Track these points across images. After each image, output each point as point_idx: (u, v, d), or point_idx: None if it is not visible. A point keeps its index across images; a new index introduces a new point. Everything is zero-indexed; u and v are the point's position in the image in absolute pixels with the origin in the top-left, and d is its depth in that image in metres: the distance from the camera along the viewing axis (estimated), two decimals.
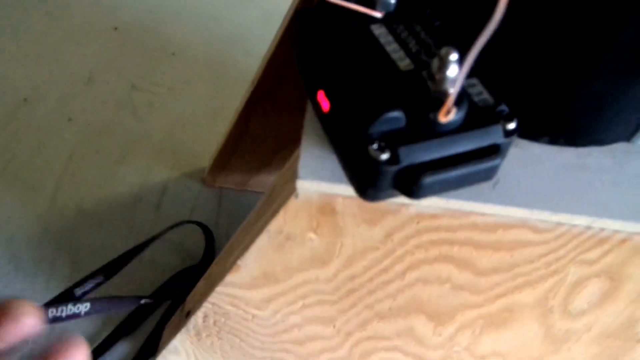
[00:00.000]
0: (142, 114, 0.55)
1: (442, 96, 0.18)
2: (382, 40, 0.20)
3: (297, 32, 0.22)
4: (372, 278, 0.29)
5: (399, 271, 0.28)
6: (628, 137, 0.26)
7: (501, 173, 0.23)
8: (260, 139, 0.49)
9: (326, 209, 0.24)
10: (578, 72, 0.22)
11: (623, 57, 0.21)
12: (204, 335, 0.38)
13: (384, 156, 0.18)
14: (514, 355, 0.35)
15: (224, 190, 0.53)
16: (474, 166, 0.19)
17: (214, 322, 0.36)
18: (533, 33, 0.22)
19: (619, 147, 0.26)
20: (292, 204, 0.24)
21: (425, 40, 0.21)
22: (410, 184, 0.19)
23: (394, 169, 0.19)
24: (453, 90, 0.18)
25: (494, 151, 0.20)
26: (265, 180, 0.55)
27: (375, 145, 0.18)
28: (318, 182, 0.23)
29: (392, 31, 0.21)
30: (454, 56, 0.17)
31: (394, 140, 0.18)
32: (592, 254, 0.25)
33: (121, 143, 0.53)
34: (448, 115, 0.18)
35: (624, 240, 0.24)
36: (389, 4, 0.21)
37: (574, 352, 0.34)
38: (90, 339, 0.44)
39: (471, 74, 0.20)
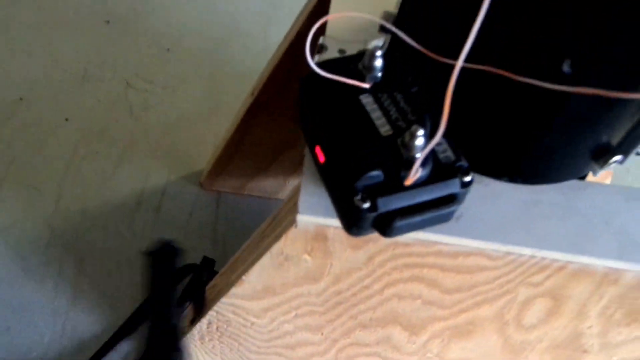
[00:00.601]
0: (138, 113, 0.59)
1: (412, 159, 0.24)
2: (368, 108, 0.26)
3: (301, 96, 0.28)
4: (355, 293, 0.35)
5: (378, 288, 0.34)
6: (578, 176, 0.32)
7: (464, 207, 0.29)
8: (257, 146, 0.54)
9: (319, 236, 0.30)
10: (531, 131, 0.28)
11: (568, 121, 0.27)
12: (206, 339, 0.44)
13: (366, 205, 0.24)
14: None
15: (221, 194, 0.58)
16: (434, 212, 0.25)
17: (217, 328, 0.42)
18: (493, 104, 0.28)
19: (571, 183, 0.32)
20: (292, 232, 0.30)
21: (404, 108, 0.26)
22: (385, 226, 0.25)
23: (372, 215, 0.24)
24: (420, 156, 0.24)
25: (452, 200, 0.26)
26: (262, 184, 0.59)
27: (359, 197, 0.24)
28: (314, 216, 0.29)
29: (377, 100, 0.27)
30: (420, 132, 0.23)
31: (373, 193, 0.24)
32: (537, 278, 0.31)
33: (119, 144, 0.57)
34: (415, 176, 0.24)
35: (561, 267, 0.30)
36: (376, 77, 0.27)
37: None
38: (96, 339, 0.48)
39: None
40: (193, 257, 0.54)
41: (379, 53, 0.26)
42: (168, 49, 0.64)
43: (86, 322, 0.49)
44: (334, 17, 0.32)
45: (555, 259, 0.30)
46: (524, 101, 0.25)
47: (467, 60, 0.22)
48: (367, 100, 0.26)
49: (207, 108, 0.62)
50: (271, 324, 0.39)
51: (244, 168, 0.56)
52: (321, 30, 0.33)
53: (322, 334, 0.40)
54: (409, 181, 0.24)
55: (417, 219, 0.25)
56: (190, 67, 0.65)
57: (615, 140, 0.29)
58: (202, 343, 0.44)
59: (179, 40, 0.65)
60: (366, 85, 0.27)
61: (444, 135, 0.25)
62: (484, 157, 0.30)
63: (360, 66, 0.27)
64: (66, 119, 0.57)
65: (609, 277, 0.31)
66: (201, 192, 0.58)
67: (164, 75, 0.63)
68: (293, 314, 0.38)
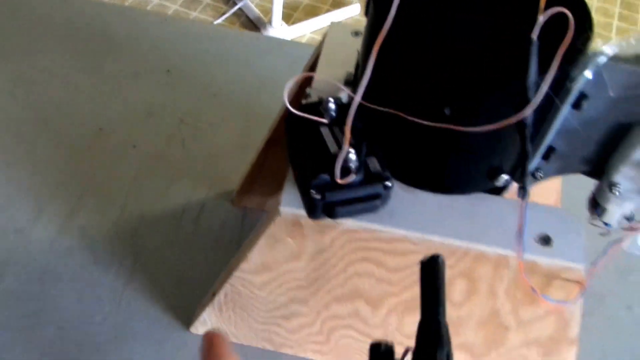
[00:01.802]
0: (189, 144, 0.74)
1: (349, 169, 0.37)
2: (324, 135, 0.40)
3: (285, 129, 0.42)
4: (327, 270, 0.48)
5: (342, 266, 0.47)
6: (483, 190, 0.44)
7: (396, 207, 0.42)
8: (275, 170, 0.67)
9: (296, 223, 0.43)
10: (437, 156, 0.41)
11: (459, 150, 0.40)
12: (224, 310, 0.57)
13: (317, 197, 0.38)
14: None
15: (247, 209, 0.72)
16: (365, 204, 0.38)
17: (231, 299, 0.55)
18: (408, 136, 0.41)
19: (477, 195, 0.44)
20: (278, 220, 0.43)
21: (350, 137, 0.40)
22: (331, 212, 0.38)
23: (322, 203, 0.38)
24: (353, 166, 0.37)
25: (377, 197, 0.39)
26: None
27: (313, 191, 0.38)
28: (291, 208, 0.42)
29: (332, 131, 0.40)
30: (352, 152, 0.37)
31: (323, 189, 0.38)
32: (450, 261, 0.43)
33: (172, 167, 0.72)
34: (348, 178, 0.37)
35: (465, 253, 0.43)
36: (332, 115, 0.41)
37: (468, 335, 0.52)
38: (144, 309, 0.62)
39: (371, 153, 0.39)
40: (219, 254, 0.67)
41: (332, 100, 0.39)
42: (214, 94, 0.80)
43: (137, 299, 0.62)
44: (310, 75, 0.46)
45: (459, 246, 0.42)
46: (427, 134, 0.39)
47: (379, 104, 0.35)
48: (324, 131, 0.40)
49: (242, 143, 0.77)
50: (270, 296, 0.52)
51: (264, 188, 0.70)
52: (309, 83, 0.47)
53: (308, 306, 0.52)
54: (343, 182, 0.37)
55: (352, 208, 0.38)
56: (230, 109, 0.80)
57: (499, 162, 0.41)
58: (220, 314, 0.57)
59: (223, 86, 0.80)
60: (325, 121, 0.40)
61: (375, 155, 0.38)
62: (411, 173, 0.43)
63: (321, 109, 0.40)
64: (134, 146, 0.73)
65: (502, 262, 0.43)
66: (231, 208, 0.72)
67: (210, 115, 0.78)
68: (285, 287, 0.51)
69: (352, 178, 0.38)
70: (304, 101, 0.46)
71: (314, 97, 0.45)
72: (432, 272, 0.31)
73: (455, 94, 0.36)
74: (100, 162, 0.73)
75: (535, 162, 0.43)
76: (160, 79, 0.81)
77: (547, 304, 0.44)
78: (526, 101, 0.32)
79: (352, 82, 0.45)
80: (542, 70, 0.32)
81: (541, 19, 0.32)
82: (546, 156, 0.43)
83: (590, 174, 0.45)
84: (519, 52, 0.33)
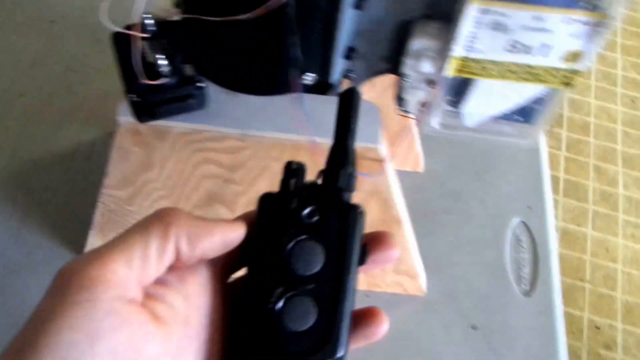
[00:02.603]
0: (76, 89, 0.80)
1: (158, 73, 0.44)
2: (145, 49, 0.46)
3: (112, 46, 0.48)
4: (179, 176, 0.55)
5: (190, 171, 0.54)
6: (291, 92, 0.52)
7: (221, 109, 0.49)
8: None
9: (137, 132, 0.50)
10: (249, 62, 0.48)
11: (266, 53, 0.47)
12: (105, 230, 0.64)
13: (137, 100, 0.44)
14: None
15: None
16: (180, 104, 0.46)
17: (108, 219, 0.62)
18: (215, 44, 0.48)
19: (295, 95, 0.51)
20: (120, 130, 0.50)
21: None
22: (151, 112, 0.45)
23: (141, 104, 0.45)
24: (165, 70, 0.44)
25: (190, 96, 0.46)
26: None
27: (132, 95, 0.44)
28: (126, 117, 0.49)
29: (153, 45, 0.47)
30: (162, 59, 0.43)
31: (142, 93, 0.45)
32: (275, 153, 0.51)
33: (61, 112, 0.78)
34: (160, 81, 0.44)
35: (284, 144, 0.50)
36: (152, 30, 0.47)
37: None
38: (43, 240, 0.68)
39: (189, 62, 0.46)
40: None
41: (148, 17, 0.46)
42: (98, 40, 0.85)
43: (33, 235, 0.69)
44: None
45: (278, 138, 0.49)
46: (228, 38, 0.45)
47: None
48: (145, 44, 0.46)
49: None
50: (140, 210, 0.59)
51: None
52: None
53: None
54: (154, 82, 0.44)
55: (169, 107, 0.45)
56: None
57: (303, 62, 0.48)
58: (103, 235, 0.64)
59: (107, 33, 0.86)
60: (146, 35, 0.47)
61: (194, 63, 0.45)
62: (231, 78, 0.50)
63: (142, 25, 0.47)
64: (21, 95, 0.78)
65: (316, 150, 0.50)
66: None
67: (96, 61, 0.84)
68: (150, 199, 0.58)
69: (164, 80, 0.44)
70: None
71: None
72: (347, 101, 0.33)
73: None
74: None
75: (340, 62, 0.51)
76: (44, 29, 0.86)
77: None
78: None
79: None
80: None
81: None
82: (348, 56, 0.50)
83: (393, 71, 0.52)
84: None
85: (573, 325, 1.48)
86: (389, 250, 0.30)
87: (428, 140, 0.81)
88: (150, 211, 0.56)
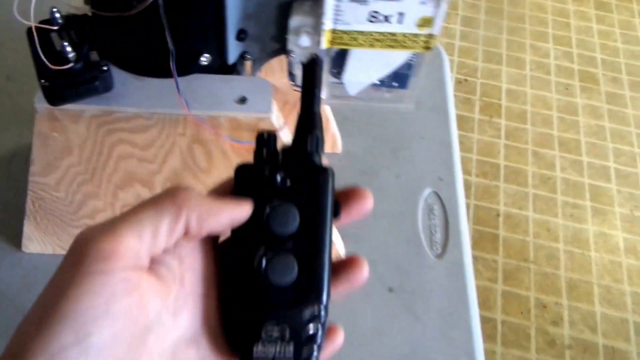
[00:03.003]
0: (16, 98, 0.85)
1: (66, 60, 0.50)
2: (53, 39, 0.52)
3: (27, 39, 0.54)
4: (98, 158, 0.60)
5: (106, 152, 0.60)
6: (204, 71, 0.58)
7: (127, 92, 0.55)
8: None
9: (52, 117, 0.56)
10: (146, 46, 0.54)
11: (158, 38, 0.53)
12: (38, 219, 0.69)
13: (46, 84, 0.50)
14: None
15: None
16: (87, 87, 0.52)
17: (40, 207, 0.67)
18: (116, 32, 0.54)
19: (197, 75, 0.58)
20: (38, 117, 0.56)
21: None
22: (61, 95, 0.51)
23: (51, 88, 0.51)
24: (70, 56, 0.50)
25: (95, 79, 0.52)
26: None
27: (42, 80, 0.50)
28: (42, 104, 0.55)
29: (61, 35, 0.53)
30: (68, 46, 0.50)
31: (51, 78, 0.50)
32: (179, 129, 0.57)
33: (1, 119, 0.83)
34: (66, 66, 0.50)
35: (186, 120, 0.56)
36: (59, 23, 0.53)
37: None
38: None
39: (96, 50, 0.52)
40: None
41: (55, 11, 0.52)
42: None
43: None
44: None
45: (179, 114, 0.56)
46: (125, 26, 0.52)
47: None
48: (54, 35, 0.53)
49: None
50: (67, 196, 0.65)
51: None
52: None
53: (100, 198, 0.65)
54: (59, 67, 0.50)
55: (77, 90, 0.51)
56: None
57: (195, 44, 0.55)
58: (37, 224, 0.69)
59: None
60: (54, 28, 0.53)
61: (99, 50, 0.51)
62: (135, 63, 0.56)
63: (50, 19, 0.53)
64: None
65: (215, 123, 0.56)
66: None
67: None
68: (75, 184, 0.63)
69: (69, 65, 0.50)
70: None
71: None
72: (310, 70, 0.36)
73: None
74: None
75: (234, 44, 0.57)
76: None
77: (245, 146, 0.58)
78: None
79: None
80: None
81: None
82: (240, 38, 0.57)
83: (284, 51, 0.59)
84: None
85: (521, 305, 1.56)
86: (364, 203, 0.33)
87: (346, 122, 0.88)
88: (78, 197, 0.61)
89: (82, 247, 0.26)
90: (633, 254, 1.67)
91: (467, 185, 1.72)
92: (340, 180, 0.84)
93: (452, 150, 0.88)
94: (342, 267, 0.32)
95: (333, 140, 0.84)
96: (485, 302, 1.51)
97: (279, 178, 0.32)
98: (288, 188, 0.32)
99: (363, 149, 0.87)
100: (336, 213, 0.32)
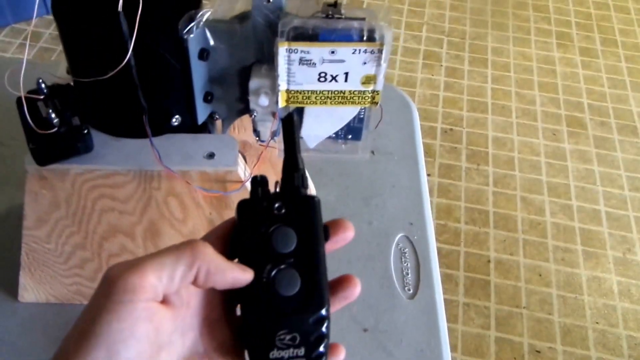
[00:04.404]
0: (9, 161, 0.94)
1: (51, 125, 0.58)
2: (40, 107, 0.61)
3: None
4: (83, 212, 0.68)
5: (90, 206, 0.67)
6: (175, 130, 0.66)
7: (106, 152, 0.63)
8: None
9: (42, 176, 0.64)
10: (122, 111, 0.62)
11: (131, 103, 0.62)
12: (32, 270, 0.76)
13: (33, 147, 0.58)
14: None
15: None
16: (69, 149, 0.59)
17: (33, 259, 0.74)
18: (95, 100, 0.62)
19: (170, 135, 0.66)
20: (28, 176, 0.64)
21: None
22: (48, 156, 0.59)
23: (37, 150, 0.58)
24: (54, 122, 0.58)
25: (77, 140, 0.60)
26: None
27: (30, 144, 0.58)
28: (32, 165, 0.62)
29: (46, 103, 0.61)
30: (52, 113, 0.58)
31: (37, 141, 0.58)
32: (154, 184, 0.65)
33: None
34: (50, 130, 0.58)
35: (160, 175, 0.64)
36: (44, 92, 0.62)
37: None
38: None
39: (77, 115, 0.60)
40: None
41: (40, 82, 0.60)
42: None
43: None
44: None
45: (153, 170, 0.63)
46: (101, 95, 0.60)
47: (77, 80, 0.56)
48: (40, 104, 0.61)
49: None
50: (57, 247, 0.72)
51: None
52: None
53: (88, 250, 0.72)
54: (43, 132, 0.58)
55: (61, 152, 0.59)
56: None
57: (166, 108, 0.63)
58: (32, 275, 0.76)
59: None
60: (40, 97, 0.61)
61: (80, 115, 0.59)
62: (113, 126, 0.64)
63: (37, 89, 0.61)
64: None
65: (187, 177, 0.64)
66: None
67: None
68: (63, 236, 0.71)
69: (54, 130, 0.58)
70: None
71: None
72: (288, 124, 0.41)
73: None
74: None
75: (202, 106, 0.65)
76: None
77: (222, 198, 0.65)
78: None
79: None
80: (130, 35, 0.54)
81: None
82: (208, 100, 0.65)
83: (247, 110, 0.67)
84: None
85: (515, 352, 1.59)
86: (346, 231, 0.39)
87: (320, 173, 0.96)
88: (67, 248, 0.68)
89: (112, 280, 0.32)
90: (627, 297, 1.71)
91: (457, 233, 1.78)
92: None
93: (422, 196, 0.95)
94: (338, 284, 0.39)
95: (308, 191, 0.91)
96: (478, 349, 1.55)
97: (276, 205, 0.38)
98: (284, 214, 0.38)
99: (336, 198, 0.94)
100: (326, 236, 0.38)
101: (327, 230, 0.39)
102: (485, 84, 2.25)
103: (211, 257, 0.35)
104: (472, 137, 2.04)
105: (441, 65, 2.29)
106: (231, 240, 0.39)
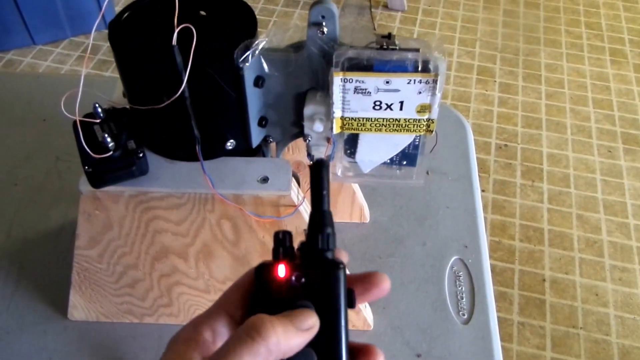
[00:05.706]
0: (65, 176, 0.95)
1: (106, 150, 0.58)
2: (96, 131, 0.61)
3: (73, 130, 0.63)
4: (136, 233, 0.68)
5: (143, 227, 0.67)
6: (227, 154, 0.65)
7: (161, 174, 0.63)
8: None
9: (95, 198, 0.64)
10: (179, 136, 0.62)
11: (189, 128, 0.61)
12: (83, 288, 0.76)
13: (89, 170, 0.58)
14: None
15: None
16: (124, 171, 0.59)
17: (85, 277, 0.75)
18: (153, 125, 0.62)
19: (223, 158, 0.65)
20: (82, 198, 0.64)
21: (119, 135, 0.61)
22: (102, 179, 0.59)
23: (94, 173, 0.59)
24: (109, 146, 0.58)
25: (132, 165, 0.60)
26: None
27: (86, 167, 0.59)
28: (87, 187, 0.63)
29: (102, 127, 0.61)
30: (108, 137, 0.58)
31: (93, 165, 0.59)
32: (209, 207, 0.64)
33: (51, 196, 0.92)
34: (105, 154, 0.58)
35: (214, 198, 0.63)
36: (101, 116, 0.62)
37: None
38: (32, 311, 0.81)
39: (134, 138, 0.60)
40: None
41: (97, 106, 0.60)
42: None
43: (24, 300, 0.82)
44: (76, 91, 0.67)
45: (208, 193, 0.63)
46: (161, 120, 0.60)
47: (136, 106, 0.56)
48: (96, 127, 0.61)
49: None
50: (109, 267, 0.72)
51: None
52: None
53: (140, 270, 0.72)
54: (99, 156, 0.58)
55: (116, 174, 0.59)
56: None
57: (222, 132, 0.62)
58: (82, 293, 0.76)
59: None
60: (96, 121, 0.61)
61: (135, 139, 0.59)
62: (168, 149, 0.64)
63: (94, 113, 0.61)
64: (15, 184, 0.93)
65: (239, 201, 0.63)
66: None
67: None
68: (115, 257, 0.71)
69: (109, 153, 0.58)
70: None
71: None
72: (317, 172, 0.37)
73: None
74: None
75: (257, 130, 0.65)
76: (37, 127, 1.03)
77: (271, 221, 0.64)
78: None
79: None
80: (185, 67, 0.53)
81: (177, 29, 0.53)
82: (262, 124, 0.64)
83: (302, 134, 0.66)
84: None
85: None
86: (379, 288, 0.36)
87: (374, 193, 0.94)
88: (119, 268, 0.68)
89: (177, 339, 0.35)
90: None
91: (511, 251, 1.73)
92: (368, 249, 0.89)
93: (476, 218, 0.92)
94: (360, 353, 0.36)
95: (360, 211, 0.90)
96: None
97: (293, 278, 0.35)
98: (303, 285, 0.35)
99: (389, 218, 0.92)
100: (351, 303, 0.35)
101: (352, 297, 0.36)
102: (540, 100, 2.19)
103: (279, 337, 0.32)
104: (526, 153, 1.99)
105: (495, 81, 2.25)
106: (249, 306, 0.36)
